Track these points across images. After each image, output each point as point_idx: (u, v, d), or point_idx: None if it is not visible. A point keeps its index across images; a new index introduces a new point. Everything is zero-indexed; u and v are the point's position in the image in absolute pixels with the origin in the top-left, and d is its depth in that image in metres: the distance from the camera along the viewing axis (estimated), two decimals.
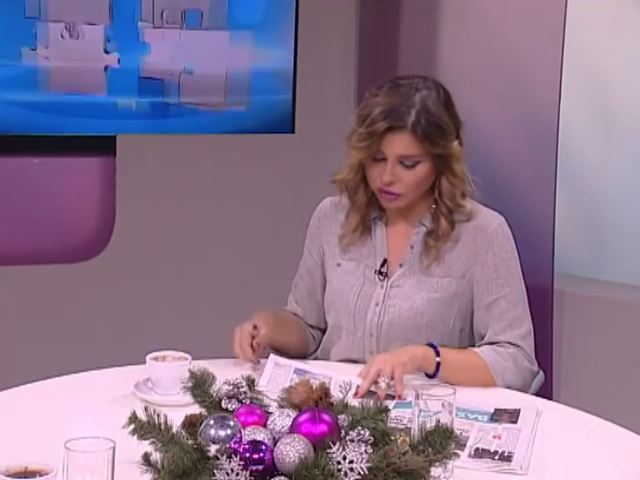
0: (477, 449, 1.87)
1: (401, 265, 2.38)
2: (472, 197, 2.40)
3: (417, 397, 1.74)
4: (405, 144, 2.27)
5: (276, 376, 2.20)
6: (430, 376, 2.22)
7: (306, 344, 2.48)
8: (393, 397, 2.11)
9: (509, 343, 2.33)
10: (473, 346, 2.38)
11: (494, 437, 1.93)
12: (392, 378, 2.13)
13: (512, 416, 2.03)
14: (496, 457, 1.84)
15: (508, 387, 2.29)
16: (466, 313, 2.38)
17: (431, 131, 2.27)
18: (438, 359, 2.21)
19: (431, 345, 2.25)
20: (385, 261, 2.39)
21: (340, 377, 2.12)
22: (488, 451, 1.86)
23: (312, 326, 2.51)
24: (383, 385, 2.11)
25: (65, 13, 3.29)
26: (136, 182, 3.59)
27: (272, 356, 2.26)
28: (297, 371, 2.20)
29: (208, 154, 3.67)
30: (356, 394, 2.09)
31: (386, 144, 2.27)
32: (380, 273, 2.38)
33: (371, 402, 1.66)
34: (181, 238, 3.71)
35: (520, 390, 2.32)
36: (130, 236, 3.60)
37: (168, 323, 3.59)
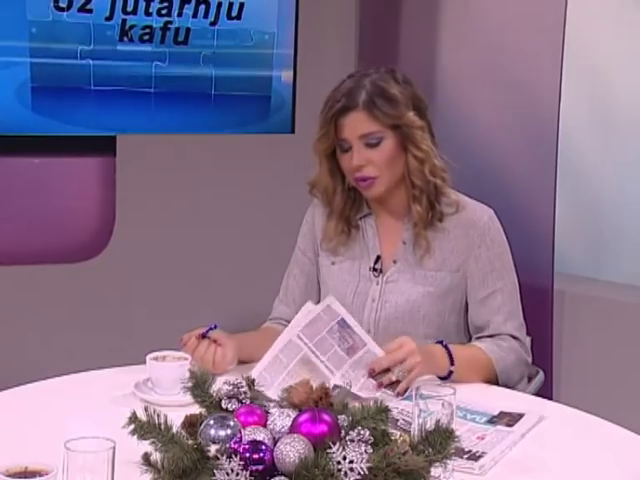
0: None
1: (395, 261, 2.40)
2: (459, 190, 2.43)
3: (417, 397, 1.74)
4: (362, 122, 2.32)
5: (319, 320, 2.16)
6: (440, 378, 2.24)
7: None
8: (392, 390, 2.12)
9: (509, 335, 2.36)
10: (470, 339, 2.41)
11: (477, 438, 1.93)
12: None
13: (512, 420, 2.02)
14: (464, 456, 1.81)
15: (507, 379, 2.32)
16: (460, 307, 2.40)
17: (380, 103, 2.33)
18: (452, 368, 2.23)
19: (445, 347, 2.25)
20: (379, 258, 2.41)
21: (373, 348, 2.13)
22: (462, 450, 1.84)
23: None
24: (393, 378, 2.11)
25: None
26: (136, 182, 3.59)
27: (331, 297, 2.21)
28: (340, 323, 2.16)
29: (208, 154, 3.67)
30: (373, 370, 2.11)
31: (346, 129, 2.33)
32: (374, 270, 2.40)
33: (371, 402, 1.66)
34: (181, 238, 3.71)
35: (518, 382, 2.36)
36: (130, 236, 3.60)
37: (168, 323, 3.59)
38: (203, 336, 2.27)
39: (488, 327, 2.36)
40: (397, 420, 1.92)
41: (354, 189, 2.43)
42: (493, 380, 2.31)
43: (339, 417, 1.58)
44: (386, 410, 1.61)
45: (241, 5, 3.41)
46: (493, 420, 2.02)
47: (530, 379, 2.52)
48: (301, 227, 2.56)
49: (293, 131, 3.59)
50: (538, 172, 3.26)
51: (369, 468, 1.46)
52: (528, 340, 2.45)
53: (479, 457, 1.83)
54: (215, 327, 2.29)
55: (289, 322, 2.50)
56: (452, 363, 2.23)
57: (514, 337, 2.36)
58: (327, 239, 2.46)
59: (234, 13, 3.40)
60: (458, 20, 3.48)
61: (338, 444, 1.48)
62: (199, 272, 3.75)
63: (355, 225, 2.45)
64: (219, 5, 3.39)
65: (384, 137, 2.33)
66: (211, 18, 3.40)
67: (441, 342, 2.27)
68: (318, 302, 2.49)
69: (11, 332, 3.53)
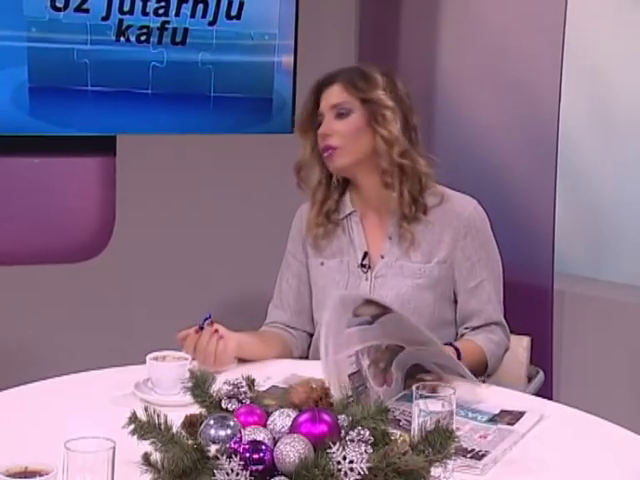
0: None
1: (382, 257, 2.43)
2: (457, 189, 2.46)
3: (417, 397, 1.74)
4: (335, 94, 2.44)
5: None
6: None
7: (287, 354, 2.48)
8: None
9: (497, 323, 2.43)
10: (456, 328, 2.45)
11: (480, 437, 1.93)
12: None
13: (513, 418, 2.02)
14: (468, 455, 1.82)
15: (492, 372, 2.40)
16: (449, 298, 2.43)
17: (356, 78, 2.45)
18: None
19: (457, 352, 2.27)
20: (366, 254, 2.43)
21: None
22: (465, 449, 1.84)
23: (296, 329, 2.52)
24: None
25: None
26: (136, 182, 3.59)
27: None
28: None
29: (208, 154, 3.67)
30: None
31: (322, 103, 2.45)
32: (363, 266, 2.43)
33: (371, 402, 1.66)
34: (181, 238, 3.71)
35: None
36: (130, 236, 3.60)
37: (168, 323, 3.58)
38: (201, 328, 2.28)
39: (479, 316, 2.41)
40: (399, 421, 1.92)
41: (338, 183, 2.47)
42: (481, 373, 2.36)
43: (339, 417, 1.58)
44: (386, 410, 1.61)
45: (241, 5, 3.38)
46: (494, 419, 2.02)
47: (530, 379, 2.52)
48: (290, 231, 2.58)
49: (293, 131, 3.59)
50: (538, 172, 3.26)
51: (369, 468, 1.46)
52: None
53: (482, 456, 1.83)
54: (210, 317, 2.29)
55: (285, 326, 2.50)
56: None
57: (501, 324, 2.43)
58: (310, 231, 2.49)
59: (233, 13, 3.38)
60: (458, 20, 3.48)
61: (338, 444, 1.48)
62: (199, 272, 3.74)
63: (336, 222, 2.48)
64: (218, 4, 3.35)
65: (352, 109, 2.42)
66: (210, 18, 3.37)
67: (452, 344, 2.29)
68: (310, 303, 2.49)
69: (11, 332, 3.52)
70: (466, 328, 2.42)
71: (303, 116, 2.50)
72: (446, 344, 2.28)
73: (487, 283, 2.41)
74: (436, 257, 2.40)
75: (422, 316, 2.38)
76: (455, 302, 2.44)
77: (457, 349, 2.27)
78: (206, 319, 2.29)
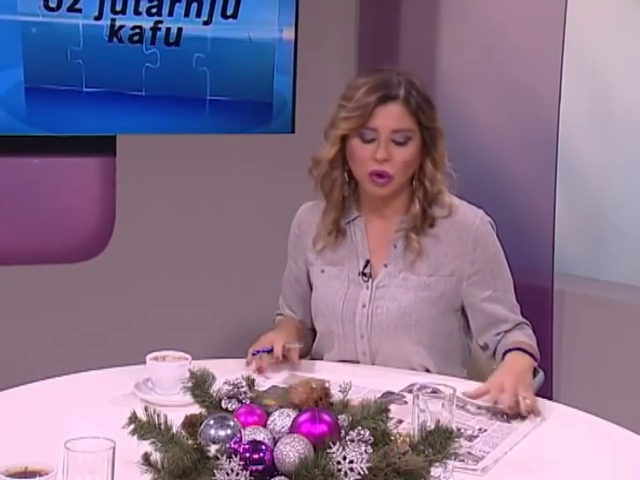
0: None
1: (386, 265, 2.36)
2: (452, 191, 2.41)
3: (417, 397, 1.74)
4: (399, 116, 2.28)
5: None
6: None
7: (308, 349, 2.48)
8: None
9: (525, 323, 2.40)
10: (469, 336, 2.43)
11: (480, 430, 1.95)
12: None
13: (512, 417, 2.03)
14: (467, 458, 1.82)
15: None
16: (452, 310, 2.38)
17: (421, 103, 2.29)
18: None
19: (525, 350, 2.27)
20: (368, 262, 2.37)
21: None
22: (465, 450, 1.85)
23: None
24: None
25: None
26: (136, 182, 3.59)
27: None
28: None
29: (208, 154, 3.67)
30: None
31: (379, 118, 2.27)
32: (364, 274, 2.37)
33: (371, 402, 1.66)
34: (181, 238, 3.71)
35: None
36: (130, 236, 3.60)
37: (168, 323, 3.59)
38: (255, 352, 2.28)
39: (506, 322, 2.37)
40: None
41: (351, 186, 2.39)
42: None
43: (339, 417, 1.58)
44: (386, 410, 1.61)
45: (237, 3, 3.28)
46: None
47: None
48: (289, 236, 2.53)
49: (293, 131, 3.59)
50: (538, 172, 3.26)
51: (369, 468, 1.46)
52: None
53: (481, 458, 1.83)
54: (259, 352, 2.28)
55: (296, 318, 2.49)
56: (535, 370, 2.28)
57: (525, 322, 2.40)
58: (321, 238, 2.41)
59: (229, 12, 3.30)
60: (458, 20, 3.48)
61: (338, 444, 1.48)
62: (200, 272, 3.74)
63: (341, 229, 2.40)
64: (213, 3, 3.25)
65: (412, 137, 2.29)
66: (204, 17, 3.29)
67: (519, 348, 2.27)
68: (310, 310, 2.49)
69: (11, 332, 3.52)
70: (497, 334, 2.37)
71: (352, 123, 2.28)
72: (512, 349, 2.26)
73: (502, 291, 2.37)
74: (442, 270, 2.33)
75: (423, 329, 2.33)
76: (459, 311, 2.39)
77: (526, 351, 2.25)
78: (263, 351, 2.27)
